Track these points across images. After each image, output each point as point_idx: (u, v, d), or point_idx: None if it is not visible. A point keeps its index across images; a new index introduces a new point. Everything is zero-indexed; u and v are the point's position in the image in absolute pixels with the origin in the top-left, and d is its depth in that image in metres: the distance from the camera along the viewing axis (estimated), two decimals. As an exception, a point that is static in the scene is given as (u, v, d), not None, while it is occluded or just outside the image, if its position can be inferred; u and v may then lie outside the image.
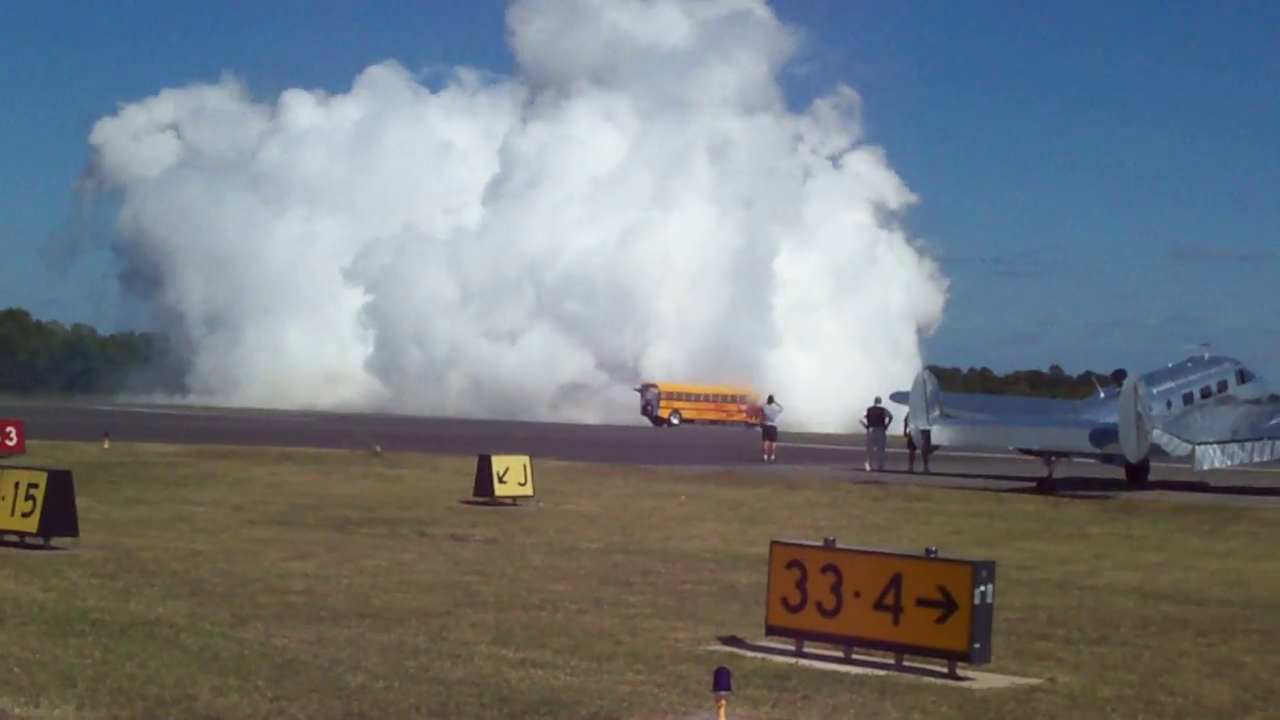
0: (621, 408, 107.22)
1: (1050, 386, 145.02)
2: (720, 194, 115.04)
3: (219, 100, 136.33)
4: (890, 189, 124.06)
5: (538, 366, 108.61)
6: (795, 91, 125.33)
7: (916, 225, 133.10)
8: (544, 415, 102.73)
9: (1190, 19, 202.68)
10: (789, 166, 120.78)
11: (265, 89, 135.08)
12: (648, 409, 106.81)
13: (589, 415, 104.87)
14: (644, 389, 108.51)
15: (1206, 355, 50.26)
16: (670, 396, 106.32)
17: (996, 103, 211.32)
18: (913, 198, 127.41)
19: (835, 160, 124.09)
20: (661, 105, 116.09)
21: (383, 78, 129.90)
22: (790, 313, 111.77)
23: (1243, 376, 49.63)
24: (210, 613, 16.91)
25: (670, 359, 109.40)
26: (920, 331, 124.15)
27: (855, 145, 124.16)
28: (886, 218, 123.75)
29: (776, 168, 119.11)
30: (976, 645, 14.15)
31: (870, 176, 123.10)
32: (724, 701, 11.23)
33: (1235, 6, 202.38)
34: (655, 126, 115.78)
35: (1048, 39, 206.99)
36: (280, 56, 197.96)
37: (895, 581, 14.48)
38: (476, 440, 51.65)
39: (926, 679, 14.18)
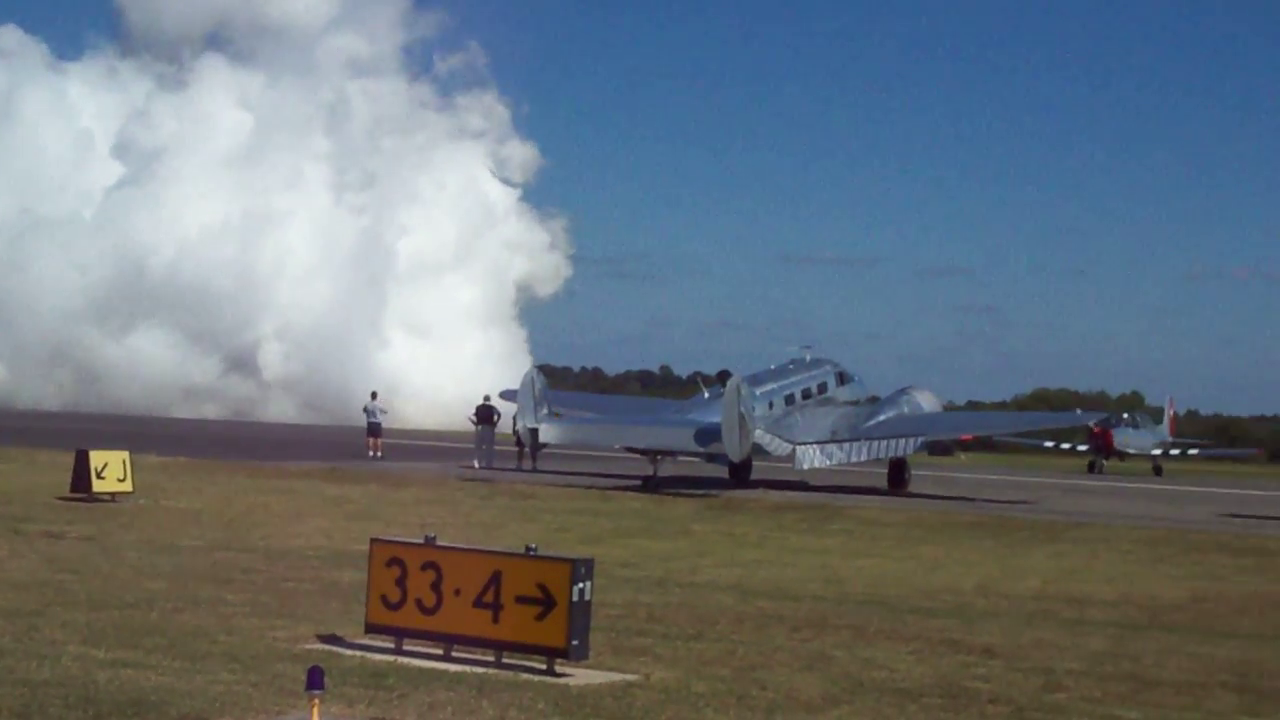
0: (239, 402, 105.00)
1: (661, 386, 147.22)
2: (343, 172, 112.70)
3: None
4: (519, 163, 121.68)
5: (154, 361, 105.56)
6: (425, 61, 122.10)
7: (541, 198, 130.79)
8: (161, 411, 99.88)
9: (774, 25, 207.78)
10: (417, 140, 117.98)
11: None
12: None
13: (208, 411, 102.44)
14: None
15: (808, 357, 51.68)
16: None
17: (622, 95, 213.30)
18: (542, 161, 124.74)
19: (464, 133, 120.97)
20: (286, 80, 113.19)
21: (6, 45, 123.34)
22: (411, 297, 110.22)
23: (842, 379, 51.22)
24: None
25: (289, 354, 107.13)
26: (541, 300, 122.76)
27: (486, 117, 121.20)
28: (513, 193, 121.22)
29: (402, 141, 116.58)
30: (574, 642, 14.26)
31: (501, 152, 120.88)
32: (317, 701, 11.04)
33: (821, 16, 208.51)
34: (280, 103, 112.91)
35: (674, 36, 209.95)
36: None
37: (495, 579, 14.51)
38: (80, 435, 50.04)
39: (525, 676, 14.23)
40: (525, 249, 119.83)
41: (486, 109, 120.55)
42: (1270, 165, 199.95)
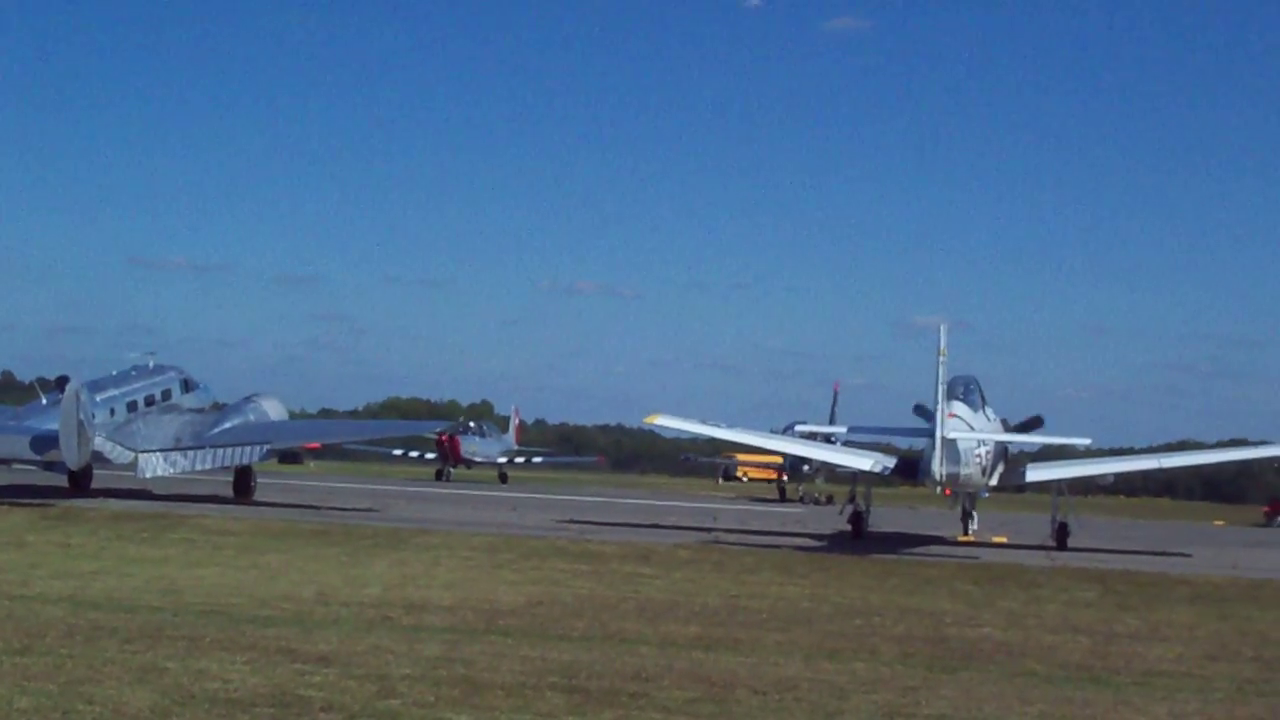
0: None
1: (2, 392, 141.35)
2: None
3: None
4: None
5: None
6: None
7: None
8: None
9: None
10: None
11: None
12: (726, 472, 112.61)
13: None
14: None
15: (151, 364, 50.68)
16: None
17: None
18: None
19: None
20: None
21: None
22: None
23: (188, 385, 50.46)
24: None
25: None
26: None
27: None
28: None
29: None
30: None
31: None
32: None
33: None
34: None
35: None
36: None
37: None
38: None
39: None
40: None
41: None
42: (591, 184, 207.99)
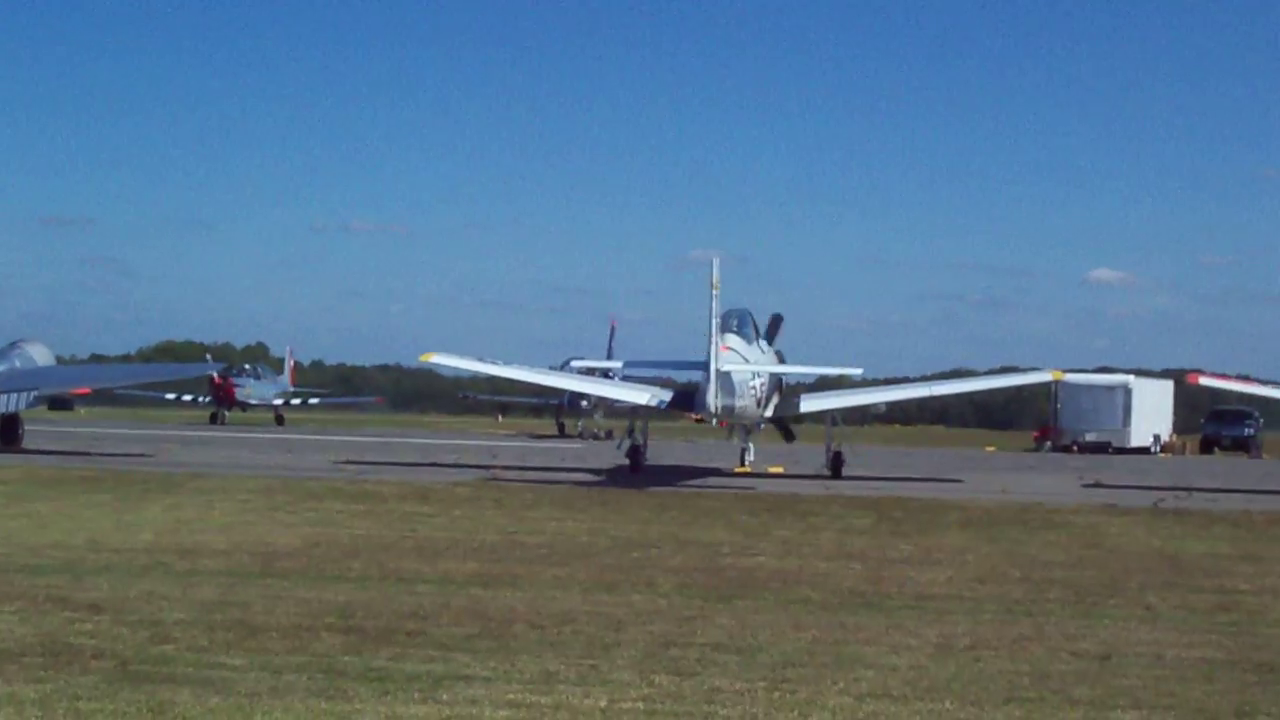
0: None
1: None
2: None
3: None
4: None
5: None
6: None
7: None
8: None
9: None
10: None
11: None
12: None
13: None
14: None
15: None
16: None
17: None
18: None
19: None
20: None
21: None
22: None
23: None
24: None
25: None
26: None
27: None
28: None
29: None
30: None
31: None
32: None
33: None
34: None
35: None
36: None
37: None
38: None
39: None
40: None
41: None
42: (363, 121, 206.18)
